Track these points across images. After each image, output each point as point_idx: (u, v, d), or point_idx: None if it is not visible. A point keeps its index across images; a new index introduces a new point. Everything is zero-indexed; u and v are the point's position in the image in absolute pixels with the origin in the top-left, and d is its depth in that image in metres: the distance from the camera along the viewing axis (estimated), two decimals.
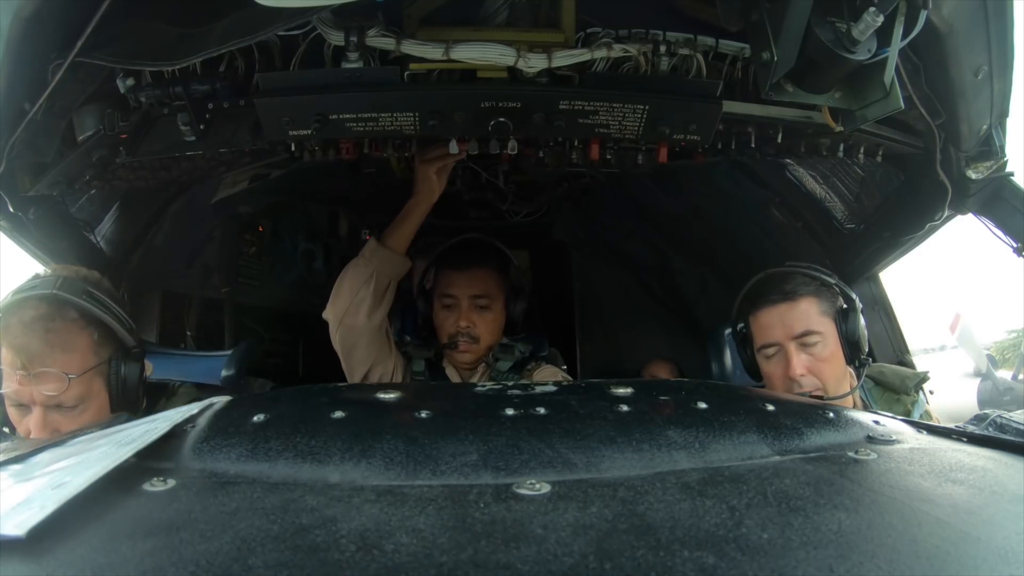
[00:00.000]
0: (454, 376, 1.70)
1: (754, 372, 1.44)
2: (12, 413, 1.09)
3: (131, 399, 1.15)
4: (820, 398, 1.30)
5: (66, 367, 1.06)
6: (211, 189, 1.86)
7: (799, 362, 1.31)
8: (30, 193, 1.28)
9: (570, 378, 1.95)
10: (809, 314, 1.34)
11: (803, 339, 1.33)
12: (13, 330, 1.06)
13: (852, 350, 1.35)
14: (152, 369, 1.27)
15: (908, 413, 1.41)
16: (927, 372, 1.53)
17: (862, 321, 1.37)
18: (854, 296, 1.39)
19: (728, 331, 1.85)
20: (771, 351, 1.36)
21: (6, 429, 1.16)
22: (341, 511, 0.53)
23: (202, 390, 1.44)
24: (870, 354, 1.45)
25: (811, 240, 1.97)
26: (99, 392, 1.12)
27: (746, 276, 1.55)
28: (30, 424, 1.07)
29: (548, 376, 1.83)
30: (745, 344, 1.44)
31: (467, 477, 0.60)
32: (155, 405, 1.27)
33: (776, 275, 1.40)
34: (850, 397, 1.39)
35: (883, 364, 1.59)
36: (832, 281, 1.39)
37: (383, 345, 1.63)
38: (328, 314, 1.60)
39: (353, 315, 1.56)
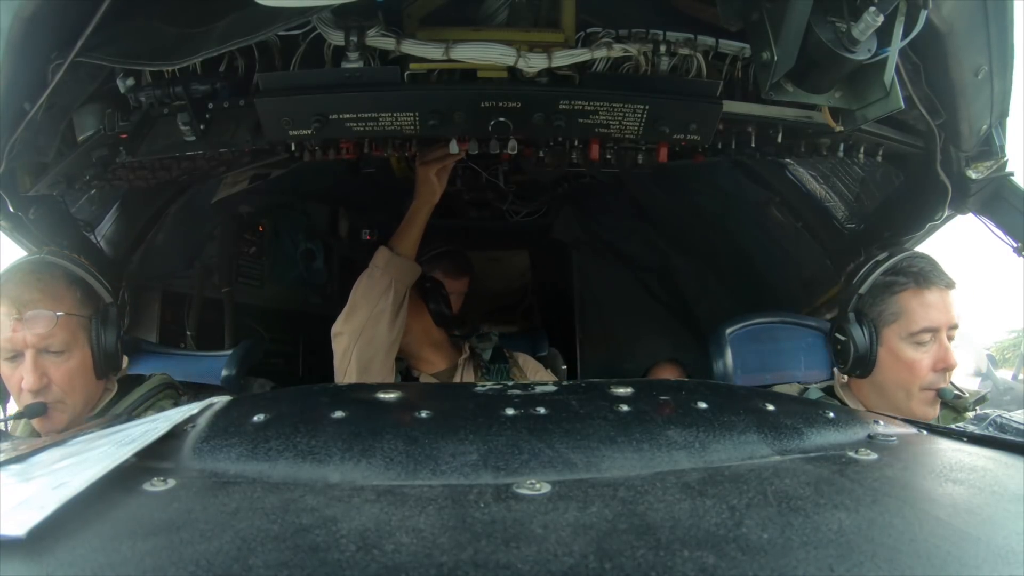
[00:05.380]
0: (429, 381, 1.72)
1: (864, 362, 1.29)
2: (5, 370, 1.18)
3: (110, 355, 1.25)
4: (959, 397, 1.25)
5: (54, 308, 1.17)
6: (211, 189, 1.86)
7: (954, 354, 1.24)
8: (30, 193, 1.28)
9: (553, 375, 1.97)
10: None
11: (952, 332, 1.27)
12: (7, 287, 1.18)
13: None
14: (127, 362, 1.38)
15: None
16: (987, 392, 1.48)
17: None
18: None
19: (729, 330, 1.85)
20: (929, 336, 1.25)
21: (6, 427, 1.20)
22: (341, 511, 0.53)
23: (201, 390, 1.44)
24: None
25: (811, 240, 1.97)
26: (83, 344, 1.22)
27: (746, 276, 1.54)
28: (23, 372, 1.15)
29: (531, 366, 1.86)
30: (865, 325, 1.29)
31: (467, 477, 0.60)
32: (129, 391, 1.34)
33: (929, 259, 1.30)
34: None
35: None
36: None
37: (394, 359, 1.63)
38: (342, 329, 1.57)
39: (373, 328, 1.55)
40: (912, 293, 1.27)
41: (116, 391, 1.32)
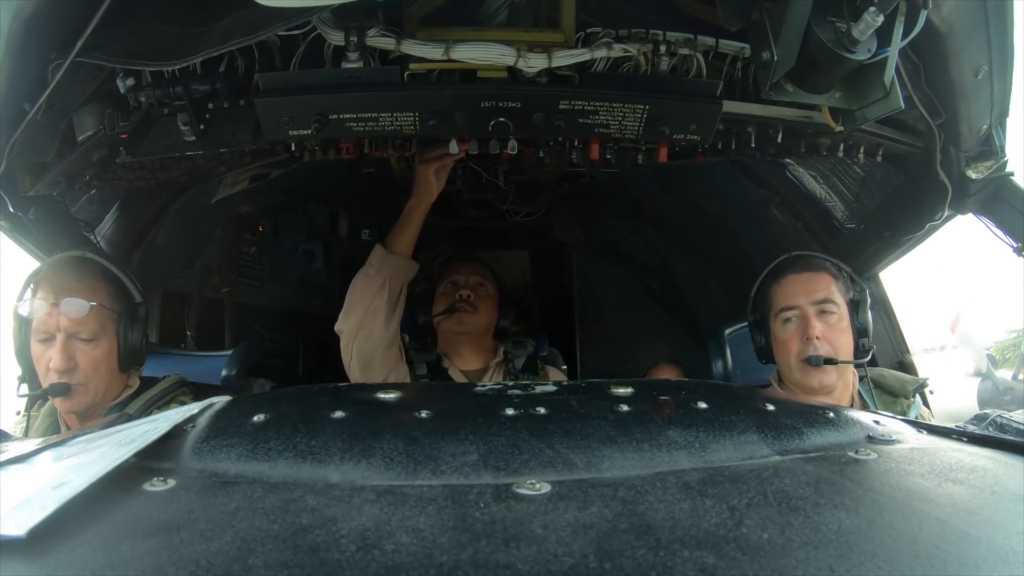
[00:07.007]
0: (459, 378, 1.71)
1: (766, 353, 1.49)
2: (36, 350, 1.26)
3: (135, 350, 1.33)
4: (832, 361, 1.37)
5: (88, 299, 1.26)
6: (211, 189, 1.86)
7: (817, 323, 1.39)
8: (30, 193, 1.28)
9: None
10: (828, 286, 1.43)
11: (822, 306, 1.41)
12: (49, 275, 1.28)
13: (860, 338, 1.42)
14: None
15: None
16: (927, 378, 1.56)
17: (870, 316, 1.44)
18: (866, 289, 1.46)
19: (728, 330, 1.86)
20: (790, 314, 1.42)
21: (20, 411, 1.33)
22: (341, 511, 0.53)
23: (202, 390, 1.45)
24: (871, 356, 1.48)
25: (811, 240, 1.97)
26: (111, 336, 1.30)
27: (746, 276, 1.55)
28: (52, 354, 1.23)
29: (558, 378, 1.86)
30: (760, 326, 1.50)
31: (467, 477, 0.60)
32: (146, 390, 1.39)
33: (798, 255, 1.52)
34: (850, 395, 1.44)
35: (883, 368, 1.62)
36: (847, 270, 1.48)
37: (398, 352, 1.64)
38: (342, 327, 1.60)
39: (369, 325, 1.57)
40: (775, 286, 1.48)
41: (136, 388, 1.38)
